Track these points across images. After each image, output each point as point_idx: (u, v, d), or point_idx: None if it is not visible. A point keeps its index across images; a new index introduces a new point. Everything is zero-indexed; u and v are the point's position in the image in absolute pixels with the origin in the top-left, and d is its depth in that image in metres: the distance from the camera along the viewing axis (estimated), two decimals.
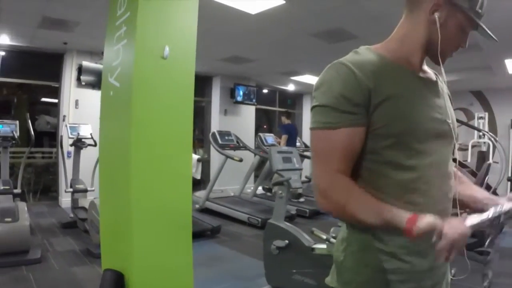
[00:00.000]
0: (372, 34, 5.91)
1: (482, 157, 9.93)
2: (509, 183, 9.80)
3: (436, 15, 1.11)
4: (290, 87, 11.00)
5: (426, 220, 0.95)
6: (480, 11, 1.12)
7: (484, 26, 1.13)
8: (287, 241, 3.41)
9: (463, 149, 9.96)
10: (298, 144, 8.56)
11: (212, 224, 5.40)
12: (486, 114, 10.51)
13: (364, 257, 1.10)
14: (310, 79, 9.55)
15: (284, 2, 4.51)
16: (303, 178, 6.80)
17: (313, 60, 7.78)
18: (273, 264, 3.46)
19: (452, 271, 3.70)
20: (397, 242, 1.05)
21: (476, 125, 9.81)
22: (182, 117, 2.39)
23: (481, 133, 10.25)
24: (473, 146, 10.20)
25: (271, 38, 6.18)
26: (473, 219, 1.00)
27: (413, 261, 1.07)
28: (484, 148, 10.34)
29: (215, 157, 8.52)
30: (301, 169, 4.11)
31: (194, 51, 2.44)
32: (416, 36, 1.15)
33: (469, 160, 9.01)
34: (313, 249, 3.30)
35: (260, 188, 8.07)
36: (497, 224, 4.93)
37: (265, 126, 11.61)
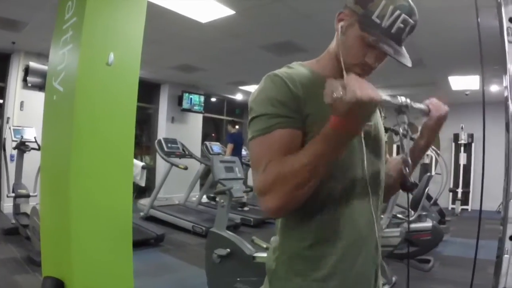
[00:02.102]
0: (322, 49, 6.12)
1: (425, 169, 10.39)
2: (450, 193, 10.34)
3: (340, 24, 1.10)
4: (238, 97, 11.07)
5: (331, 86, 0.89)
6: (379, 21, 1.04)
7: (373, 39, 1.04)
8: (228, 250, 3.43)
9: None
10: (244, 153, 8.62)
11: (156, 232, 5.33)
12: None
13: (294, 266, 1.09)
14: None
15: (235, 12, 4.57)
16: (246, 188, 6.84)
17: (262, 72, 7.73)
18: (215, 273, 3.47)
19: (393, 278, 3.85)
20: (326, 250, 1.07)
21: None
22: (124, 124, 2.39)
23: None
24: None
25: (220, 48, 6.23)
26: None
27: (341, 267, 1.07)
28: (427, 161, 10.84)
29: (161, 165, 8.44)
30: (243, 179, 4.16)
31: (139, 59, 2.45)
32: (332, 51, 1.17)
33: None
34: (254, 257, 3.34)
35: (205, 196, 8.06)
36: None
37: (213, 134, 11.60)
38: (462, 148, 10.68)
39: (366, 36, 1.04)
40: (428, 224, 5.29)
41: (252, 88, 9.58)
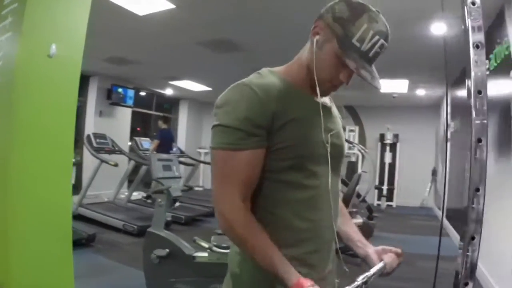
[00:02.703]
0: (260, 48, 6.19)
1: (352, 167, 10.83)
2: (376, 191, 10.85)
3: (316, 38, 1.11)
4: (168, 91, 10.87)
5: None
6: (358, 44, 1.06)
7: (352, 63, 1.07)
8: (167, 250, 3.37)
9: None
10: (174, 149, 8.47)
11: (86, 232, 5.09)
12: (357, 127, 11.59)
13: (259, 273, 1.11)
14: (190, 85, 9.64)
15: (175, 7, 4.46)
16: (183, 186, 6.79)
17: (196, 67, 7.82)
18: (154, 274, 3.39)
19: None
20: (290, 255, 1.09)
21: (346, 137, 10.70)
22: (65, 118, 2.27)
23: (351, 145, 11.23)
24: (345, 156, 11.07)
25: (156, 42, 6.06)
26: None
27: (303, 272, 1.09)
28: (354, 159, 11.29)
29: (89, 161, 8.08)
30: (180, 177, 4.08)
31: (81, 52, 2.34)
32: (304, 60, 1.17)
33: None
34: (194, 257, 3.31)
35: (135, 193, 7.83)
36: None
37: (138, 129, 11.27)
38: (387, 148, 11.26)
39: (345, 60, 1.07)
40: (358, 220, 5.55)
41: (184, 84, 9.50)
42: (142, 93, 10.85)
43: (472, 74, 1.31)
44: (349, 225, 1.37)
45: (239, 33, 5.53)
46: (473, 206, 1.25)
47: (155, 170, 3.63)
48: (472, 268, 1.24)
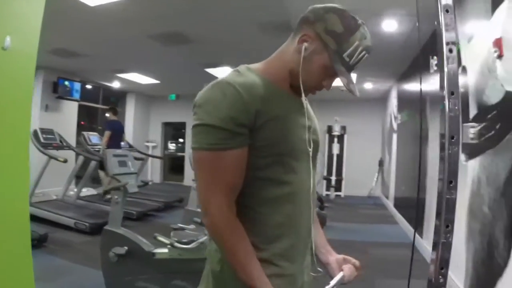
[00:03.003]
0: (210, 40, 6.15)
1: None
2: (325, 181, 11.10)
3: (304, 45, 1.15)
4: (115, 84, 10.62)
5: None
6: (348, 59, 1.13)
7: (344, 78, 1.15)
8: (126, 248, 3.30)
9: None
10: (122, 143, 8.28)
11: (37, 231, 4.87)
12: None
13: None
14: (137, 78, 9.49)
15: None
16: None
17: (145, 60, 7.69)
18: (113, 273, 3.31)
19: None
20: (271, 250, 1.13)
21: None
22: (20, 112, 2.17)
23: None
24: None
25: (105, 34, 5.89)
26: None
27: (284, 265, 1.15)
28: None
29: (35, 157, 7.74)
30: (136, 173, 4.00)
31: (37, 44, 2.25)
32: (286, 62, 1.19)
33: None
34: (154, 254, 3.27)
35: (84, 190, 7.60)
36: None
37: (82, 123, 10.90)
38: (335, 139, 11.50)
39: (337, 75, 1.16)
40: None
41: (132, 77, 9.32)
42: (89, 86, 10.51)
43: (446, 78, 1.38)
44: (316, 228, 1.38)
45: (190, 26, 5.49)
46: (448, 197, 1.34)
47: (110, 166, 3.53)
48: (447, 254, 1.33)
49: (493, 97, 3.45)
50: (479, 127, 3.79)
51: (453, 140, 1.36)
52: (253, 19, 5.18)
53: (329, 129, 11.64)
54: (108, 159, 3.53)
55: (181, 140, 13.47)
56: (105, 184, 8.12)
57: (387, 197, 9.80)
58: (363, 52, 1.14)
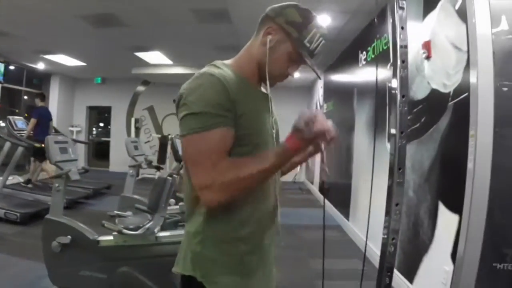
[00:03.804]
0: (142, 24, 6.04)
1: None
2: None
3: (268, 37, 1.28)
4: (40, 66, 10.07)
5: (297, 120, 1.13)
6: (308, 45, 1.28)
7: (308, 61, 1.29)
8: (69, 237, 3.25)
9: None
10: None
11: None
12: None
13: (223, 245, 1.26)
14: (64, 59, 9.12)
15: None
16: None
17: (73, 42, 7.40)
18: (57, 263, 3.25)
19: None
20: (247, 229, 1.27)
21: None
22: None
23: None
24: None
25: (32, 12, 5.58)
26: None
27: (258, 239, 1.32)
28: None
29: None
30: (76, 160, 3.89)
31: None
32: (254, 56, 1.32)
33: None
34: (98, 241, 3.25)
35: (10, 178, 7.19)
36: None
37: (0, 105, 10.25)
38: None
39: (303, 58, 1.29)
40: None
41: (58, 58, 8.93)
42: (12, 67, 9.88)
43: (398, 84, 1.60)
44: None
45: (123, 8, 5.39)
46: (398, 180, 1.58)
47: (53, 153, 3.40)
48: (397, 226, 1.59)
49: (420, 93, 3.78)
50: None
51: (402, 134, 1.60)
52: (190, 4, 5.19)
53: None
54: (50, 146, 3.40)
55: (105, 124, 13.07)
56: (32, 172, 7.76)
57: (312, 183, 10.23)
58: (321, 39, 1.30)
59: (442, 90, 3.17)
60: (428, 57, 3.47)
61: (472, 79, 2.16)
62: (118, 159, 11.47)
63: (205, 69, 1.24)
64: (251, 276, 1.30)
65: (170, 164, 10.70)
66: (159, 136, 11.47)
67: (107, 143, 12.60)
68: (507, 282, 2.02)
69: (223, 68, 1.27)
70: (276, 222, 1.41)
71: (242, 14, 5.34)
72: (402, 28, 1.62)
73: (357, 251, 4.70)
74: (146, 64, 9.45)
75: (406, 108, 1.61)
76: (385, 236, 1.64)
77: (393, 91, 1.62)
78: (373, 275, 4.42)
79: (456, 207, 2.95)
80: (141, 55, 8.46)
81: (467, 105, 2.82)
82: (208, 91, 1.16)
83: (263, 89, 1.40)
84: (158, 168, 10.36)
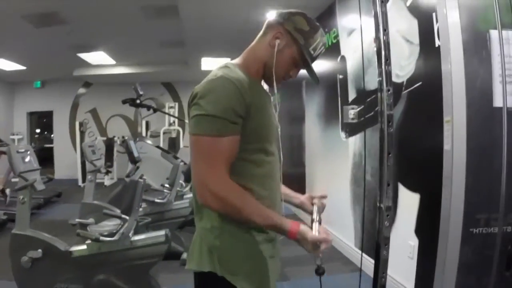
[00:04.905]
0: (86, 21, 5.87)
1: (173, 143, 11.05)
2: None
3: (277, 41, 1.39)
4: None
5: (305, 230, 1.29)
6: (312, 52, 1.42)
7: (311, 65, 1.45)
8: (40, 250, 3.15)
9: (155, 136, 10.91)
10: None
11: None
12: (176, 104, 11.81)
13: (241, 237, 1.35)
14: (3, 64, 8.77)
15: None
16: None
17: (14, 44, 7.18)
18: (29, 279, 3.13)
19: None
20: None
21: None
22: None
23: (171, 121, 11.41)
24: (164, 133, 11.31)
25: None
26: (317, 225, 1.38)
27: (270, 232, 1.40)
28: (174, 135, 11.52)
29: None
30: (40, 168, 3.72)
31: None
32: (261, 57, 1.42)
33: (161, 145, 9.75)
34: (71, 252, 3.18)
35: None
36: None
37: None
38: None
39: (303, 62, 1.43)
40: None
41: None
42: None
43: (384, 78, 1.74)
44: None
45: (67, 6, 5.25)
46: (388, 164, 1.76)
47: (16, 164, 3.23)
48: (388, 203, 1.78)
49: (373, 83, 3.99)
50: (358, 109, 4.34)
51: (390, 124, 1.76)
52: (137, 1, 5.17)
53: None
54: (12, 156, 3.23)
55: (48, 130, 12.58)
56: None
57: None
58: (322, 47, 1.44)
59: (395, 80, 3.38)
60: None
61: (444, 67, 2.32)
62: (63, 166, 11.12)
63: (220, 71, 1.33)
64: (269, 263, 1.39)
65: (117, 167, 10.51)
66: (104, 139, 11.18)
67: (51, 149, 12.15)
68: (482, 244, 2.33)
69: (235, 70, 1.37)
70: (281, 212, 1.51)
71: (192, 10, 5.34)
72: (384, 30, 1.77)
73: None
74: (88, 65, 9.22)
75: (391, 101, 1.76)
76: (382, 212, 1.82)
77: (379, 86, 1.79)
78: (336, 256, 4.61)
79: (415, 187, 3.18)
80: (84, 55, 8.25)
81: (420, 93, 3.05)
82: (224, 95, 1.26)
83: (264, 87, 1.50)
84: (106, 172, 10.16)
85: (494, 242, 2.24)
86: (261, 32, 1.46)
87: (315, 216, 1.48)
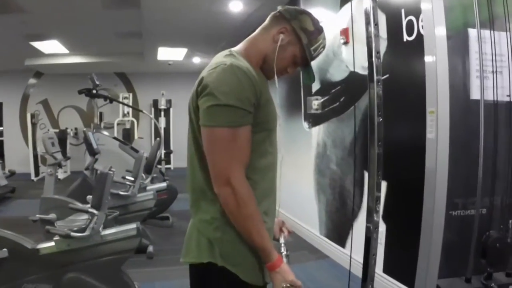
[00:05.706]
0: (44, 11, 5.69)
1: (127, 133, 10.89)
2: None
3: (281, 36, 1.39)
4: None
5: (285, 269, 1.31)
6: (313, 52, 1.43)
7: (311, 65, 1.49)
8: (5, 249, 3.03)
9: (109, 127, 10.76)
10: None
11: None
12: (130, 94, 11.71)
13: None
14: None
15: None
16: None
17: None
18: None
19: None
20: (260, 209, 1.34)
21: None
22: None
23: (125, 112, 11.22)
24: (118, 124, 11.23)
25: None
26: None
27: (268, 221, 1.40)
28: (128, 126, 11.34)
29: None
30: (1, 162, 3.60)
31: None
32: (262, 49, 1.42)
33: (115, 134, 9.42)
34: (38, 250, 3.08)
35: None
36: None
37: None
38: (162, 113, 11.70)
39: (304, 60, 1.46)
40: (163, 184, 5.76)
41: None
42: None
43: (375, 70, 1.83)
44: None
45: None
46: (378, 152, 1.85)
47: None
48: (378, 192, 1.89)
49: (338, 75, 4.09)
50: (322, 100, 4.44)
51: (380, 113, 1.87)
52: None
53: (155, 103, 11.83)
54: None
55: None
56: None
57: None
58: (322, 49, 1.47)
59: (362, 72, 3.48)
60: (346, 43, 3.77)
61: (428, 59, 2.40)
62: (15, 159, 10.69)
63: (228, 60, 1.30)
64: None
65: (71, 160, 10.19)
66: (57, 131, 10.81)
67: (1, 142, 11.66)
68: (460, 226, 2.57)
69: (240, 58, 1.35)
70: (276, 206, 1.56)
71: (154, 0, 5.26)
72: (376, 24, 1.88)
73: None
74: (41, 54, 8.87)
75: (381, 93, 1.86)
76: (375, 197, 1.98)
77: (369, 77, 1.92)
78: (302, 245, 4.72)
79: (382, 175, 3.31)
80: (37, 44, 7.95)
81: (387, 85, 3.16)
82: (239, 84, 1.23)
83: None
84: (59, 165, 9.83)
85: (472, 223, 2.49)
86: (265, 24, 1.46)
87: (283, 251, 1.52)
